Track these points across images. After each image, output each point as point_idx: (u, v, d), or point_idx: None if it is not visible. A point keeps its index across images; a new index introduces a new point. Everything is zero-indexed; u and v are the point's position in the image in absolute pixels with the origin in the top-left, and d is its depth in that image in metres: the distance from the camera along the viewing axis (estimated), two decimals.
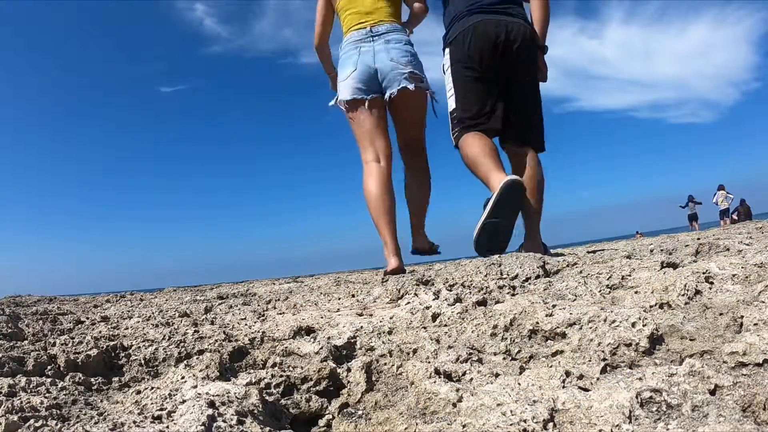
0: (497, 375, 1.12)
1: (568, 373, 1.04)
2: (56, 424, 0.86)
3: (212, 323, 2.00)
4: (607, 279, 1.86)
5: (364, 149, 2.27)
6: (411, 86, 2.13)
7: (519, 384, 1.01)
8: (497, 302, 1.79)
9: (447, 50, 2.20)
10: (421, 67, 2.28)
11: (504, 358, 1.23)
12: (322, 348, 1.37)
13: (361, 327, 1.65)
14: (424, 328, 1.60)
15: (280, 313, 2.17)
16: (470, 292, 1.96)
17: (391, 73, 2.10)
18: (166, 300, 3.40)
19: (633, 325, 1.22)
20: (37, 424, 0.84)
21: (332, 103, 2.31)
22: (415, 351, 1.33)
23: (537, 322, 1.43)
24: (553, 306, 1.53)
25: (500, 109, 2.07)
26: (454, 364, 1.18)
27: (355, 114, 2.20)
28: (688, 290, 1.49)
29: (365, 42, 2.12)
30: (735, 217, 14.37)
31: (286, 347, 1.45)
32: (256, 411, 0.92)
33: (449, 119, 2.19)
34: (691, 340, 1.19)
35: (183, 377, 1.12)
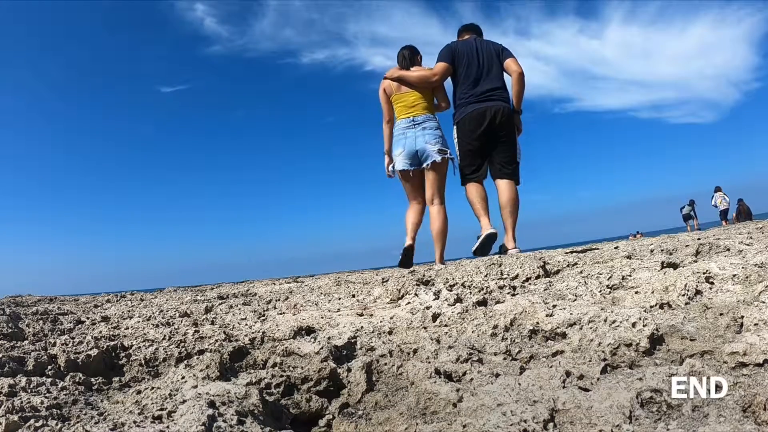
0: (497, 375, 1.12)
1: (568, 373, 1.04)
2: (56, 424, 0.86)
3: (212, 323, 2.00)
4: (608, 279, 1.86)
5: (409, 198, 3.50)
6: (438, 158, 3.29)
7: (519, 384, 1.01)
8: (497, 302, 1.79)
9: (455, 127, 3.41)
10: (445, 142, 3.37)
11: (504, 358, 1.23)
12: (322, 348, 1.37)
13: (362, 327, 1.65)
14: (425, 328, 1.60)
15: (281, 313, 2.17)
16: (470, 292, 1.96)
17: (426, 152, 3.28)
18: (167, 300, 3.41)
19: (633, 325, 1.22)
20: (37, 424, 0.85)
21: (390, 169, 3.50)
22: (415, 351, 1.33)
23: (537, 323, 1.43)
24: (554, 306, 1.53)
25: (485, 166, 3.34)
26: (454, 364, 1.18)
27: (405, 178, 3.44)
28: (688, 290, 1.49)
29: (409, 129, 3.32)
30: (735, 218, 14.37)
31: (286, 347, 1.45)
32: (256, 411, 0.92)
33: (459, 168, 3.44)
34: (691, 340, 1.19)
35: (183, 377, 1.12)
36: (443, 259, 3.46)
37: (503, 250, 3.34)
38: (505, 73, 3.36)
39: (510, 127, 3.27)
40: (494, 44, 3.38)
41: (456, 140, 3.39)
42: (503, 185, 3.27)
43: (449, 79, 3.45)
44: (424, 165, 3.31)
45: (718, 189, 15.35)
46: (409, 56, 3.41)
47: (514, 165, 3.32)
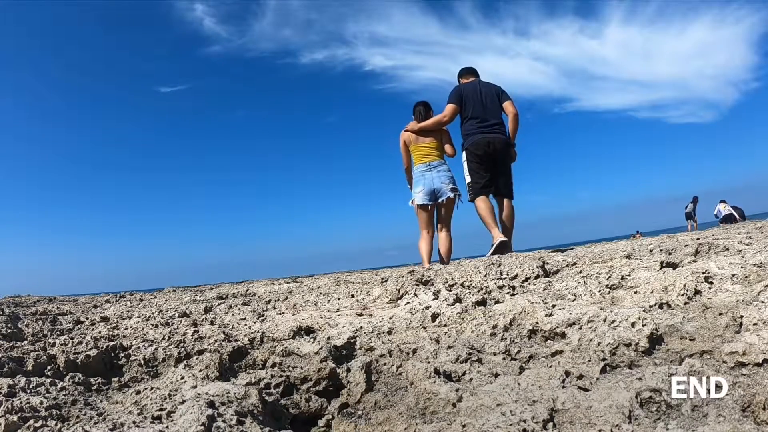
0: (497, 375, 1.12)
1: (567, 373, 1.04)
2: (56, 425, 0.86)
3: (212, 323, 1.99)
4: (607, 279, 1.86)
5: (421, 227, 4.23)
6: (451, 195, 4.11)
7: (519, 384, 1.01)
8: (497, 302, 1.79)
9: (464, 152, 4.14)
10: (455, 181, 4.18)
11: (504, 358, 1.23)
12: (321, 348, 1.37)
13: (361, 327, 1.65)
14: (424, 328, 1.60)
15: (280, 314, 2.17)
16: (470, 292, 1.96)
17: (441, 190, 4.11)
18: (166, 300, 3.40)
19: (633, 325, 1.22)
20: (36, 425, 0.85)
21: (411, 202, 4.24)
22: (414, 351, 1.33)
23: (537, 322, 1.44)
24: (553, 306, 1.53)
25: (493, 182, 4.04)
26: (453, 364, 1.18)
27: (421, 211, 4.19)
28: (687, 290, 1.49)
29: (426, 172, 4.15)
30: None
31: (285, 347, 1.45)
32: (255, 411, 0.92)
33: (467, 186, 4.12)
34: (690, 340, 1.19)
35: (183, 377, 1.12)
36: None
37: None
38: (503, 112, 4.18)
39: (507, 157, 4.08)
40: (494, 86, 4.12)
41: (465, 162, 4.14)
42: (503, 202, 4.06)
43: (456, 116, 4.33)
44: (440, 200, 4.16)
45: (722, 201, 14.98)
46: (424, 112, 4.28)
47: (510, 186, 4.15)
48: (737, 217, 14.26)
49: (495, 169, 3.98)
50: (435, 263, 4.10)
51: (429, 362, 1.20)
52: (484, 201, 3.96)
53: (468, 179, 4.10)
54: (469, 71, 4.31)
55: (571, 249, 3.71)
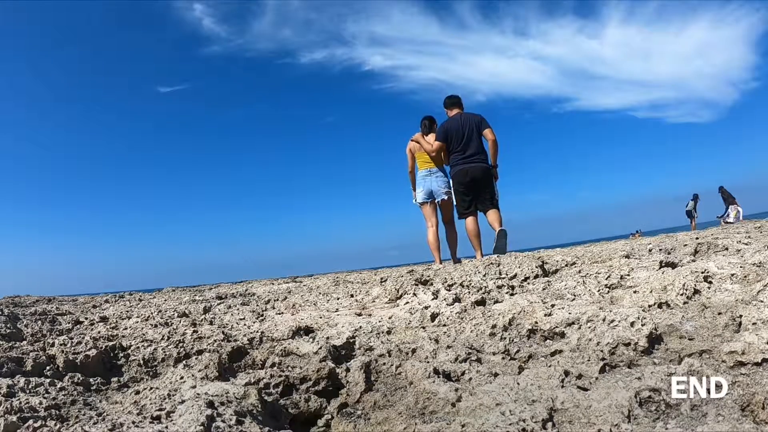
0: (496, 375, 1.12)
1: (567, 373, 1.04)
2: (55, 425, 0.85)
3: (211, 323, 1.99)
4: (606, 279, 1.86)
5: (426, 221, 4.98)
6: (445, 197, 4.82)
7: (518, 384, 1.01)
8: (496, 302, 1.79)
9: (450, 180, 4.81)
10: (449, 186, 4.84)
11: (503, 358, 1.23)
12: (321, 348, 1.37)
13: (360, 327, 1.65)
14: (423, 327, 1.60)
15: (279, 313, 2.17)
16: (469, 292, 1.96)
17: (437, 192, 4.85)
18: (165, 300, 3.40)
19: (632, 324, 1.23)
20: (36, 425, 0.84)
21: (414, 201, 5.05)
22: (414, 351, 1.33)
23: (536, 322, 1.44)
24: (552, 306, 1.53)
25: (473, 205, 4.69)
26: (453, 363, 1.18)
27: (423, 207, 4.95)
28: (686, 290, 1.49)
29: (426, 177, 4.90)
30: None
31: (285, 347, 1.45)
32: (255, 411, 0.92)
33: (455, 206, 4.82)
34: (689, 339, 1.19)
35: (182, 377, 1.12)
36: (456, 256, 4.93)
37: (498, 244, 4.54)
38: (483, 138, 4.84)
39: (488, 179, 4.67)
40: (474, 117, 4.74)
41: (452, 188, 4.90)
42: (489, 212, 4.65)
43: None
44: (437, 200, 4.91)
45: (733, 204, 14.06)
46: (429, 125, 4.99)
47: (495, 201, 4.70)
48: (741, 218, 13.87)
49: (477, 191, 4.65)
50: (447, 261, 4.82)
51: (428, 362, 1.19)
52: (471, 223, 4.65)
53: (455, 202, 4.90)
54: (453, 103, 4.93)
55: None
